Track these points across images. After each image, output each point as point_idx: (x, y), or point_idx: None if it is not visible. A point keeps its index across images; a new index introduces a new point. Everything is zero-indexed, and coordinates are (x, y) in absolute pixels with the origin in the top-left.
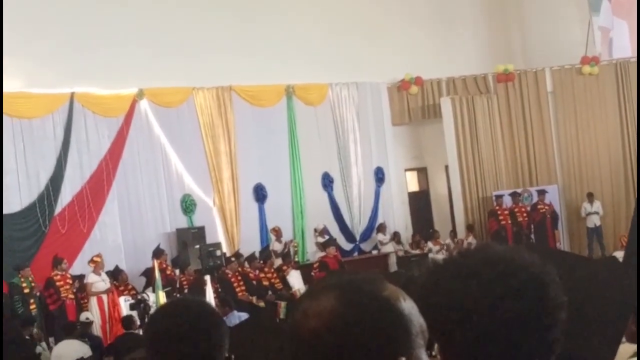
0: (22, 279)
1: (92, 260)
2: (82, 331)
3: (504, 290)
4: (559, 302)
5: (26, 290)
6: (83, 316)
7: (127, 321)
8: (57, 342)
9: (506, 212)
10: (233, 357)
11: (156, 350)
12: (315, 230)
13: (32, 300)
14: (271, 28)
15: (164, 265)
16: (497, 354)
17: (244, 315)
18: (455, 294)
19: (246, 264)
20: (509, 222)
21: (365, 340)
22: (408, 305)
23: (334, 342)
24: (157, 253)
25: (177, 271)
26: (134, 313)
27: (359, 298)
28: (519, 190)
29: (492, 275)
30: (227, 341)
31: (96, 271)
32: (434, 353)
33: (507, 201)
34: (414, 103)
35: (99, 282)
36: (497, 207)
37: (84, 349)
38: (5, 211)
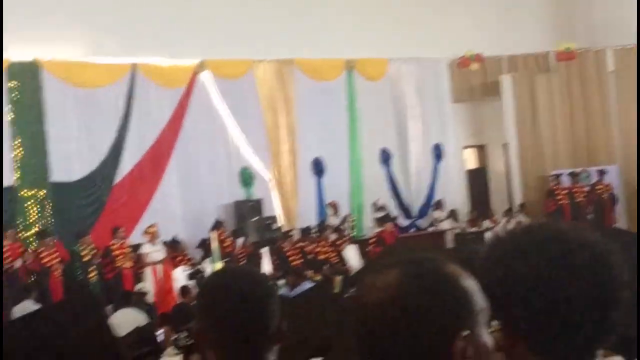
0: (83, 247)
1: (146, 231)
2: (137, 301)
3: (567, 268)
4: (622, 282)
5: (86, 258)
6: (138, 286)
7: (184, 291)
8: (114, 310)
9: (564, 191)
10: (285, 324)
11: (207, 320)
12: (374, 205)
13: (91, 268)
14: (333, 1)
15: (223, 237)
16: (558, 332)
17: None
18: (518, 270)
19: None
20: (567, 202)
21: (427, 314)
22: (471, 283)
23: (396, 314)
24: (217, 224)
25: (238, 241)
26: (192, 284)
27: (422, 273)
28: (577, 170)
29: (555, 252)
30: (279, 310)
31: (151, 241)
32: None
33: (566, 181)
34: (474, 80)
35: (154, 253)
36: (555, 187)
37: (140, 319)
38: (66, 179)
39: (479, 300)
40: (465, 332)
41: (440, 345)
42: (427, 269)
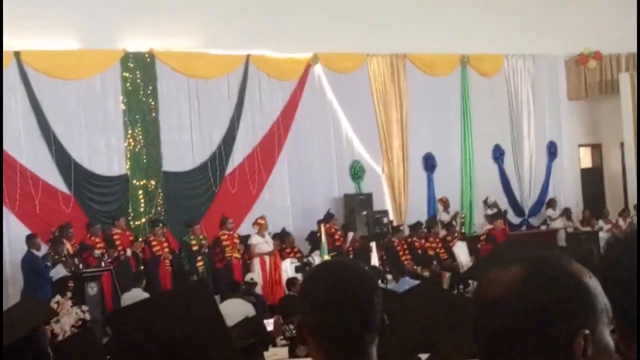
0: (192, 237)
1: (256, 222)
2: (246, 291)
3: None
4: None
5: (195, 248)
6: (248, 277)
7: (291, 283)
8: (222, 300)
9: None
10: (386, 317)
11: (310, 312)
12: (485, 203)
13: (199, 258)
14: None
15: (333, 230)
16: None
17: (415, 282)
18: (634, 272)
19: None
20: None
21: (550, 310)
22: (594, 283)
23: (518, 309)
24: (327, 217)
25: (349, 236)
26: (299, 276)
27: (546, 269)
28: None
29: None
30: (381, 304)
31: (260, 233)
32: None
33: None
34: (592, 78)
35: (263, 244)
36: None
37: (248, 309)
38: (178, 169)
39: (602, 299)
40: (587, 331)
41: (562, 343)
42: (550, 266)
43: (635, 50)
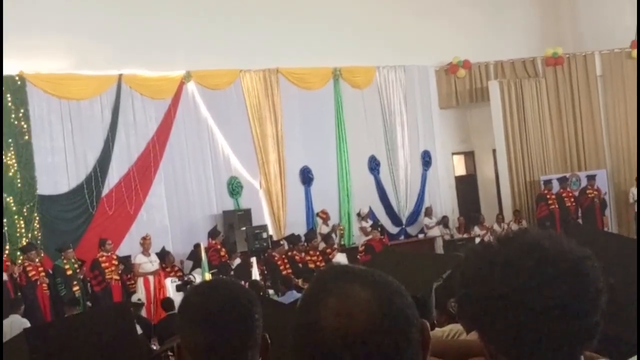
0: (65, 261)
1: (141, 241)
2: (133, 313)
3: (542, 278)
4: (599, 288)
5: (69, 272)
6: (135, 297)
7: (167, 304)
8: None
9: (554, 196)
10: (268, 335)
11: (191, 332)
12: (359, 215)
13: (75, 282)
14: (318, 10)
15: (218, 247)
16: (537, 341)
17: (299, 295)
18: (494, 283)
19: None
20: (557, 207)
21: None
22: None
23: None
24: (214, 233)
25: (236, 261)
26: (180, 294)
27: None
28: (567, 175)
29: (530, 263)
30: (261, 321)
31: (145, 252)
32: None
33: (555, 186)
34: (462, 86)
35: (147, 263)
36: (546, 192)
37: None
38: (53, 192)
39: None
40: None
41: None
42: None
43: (502, 58)
